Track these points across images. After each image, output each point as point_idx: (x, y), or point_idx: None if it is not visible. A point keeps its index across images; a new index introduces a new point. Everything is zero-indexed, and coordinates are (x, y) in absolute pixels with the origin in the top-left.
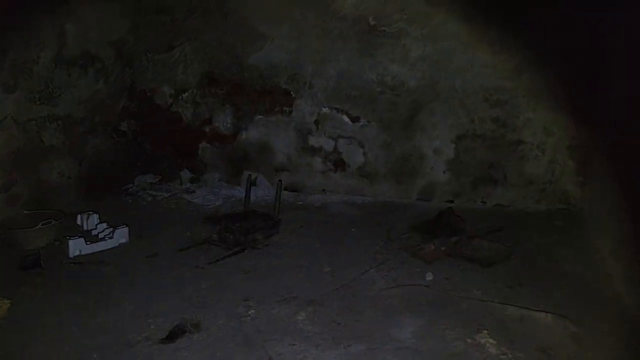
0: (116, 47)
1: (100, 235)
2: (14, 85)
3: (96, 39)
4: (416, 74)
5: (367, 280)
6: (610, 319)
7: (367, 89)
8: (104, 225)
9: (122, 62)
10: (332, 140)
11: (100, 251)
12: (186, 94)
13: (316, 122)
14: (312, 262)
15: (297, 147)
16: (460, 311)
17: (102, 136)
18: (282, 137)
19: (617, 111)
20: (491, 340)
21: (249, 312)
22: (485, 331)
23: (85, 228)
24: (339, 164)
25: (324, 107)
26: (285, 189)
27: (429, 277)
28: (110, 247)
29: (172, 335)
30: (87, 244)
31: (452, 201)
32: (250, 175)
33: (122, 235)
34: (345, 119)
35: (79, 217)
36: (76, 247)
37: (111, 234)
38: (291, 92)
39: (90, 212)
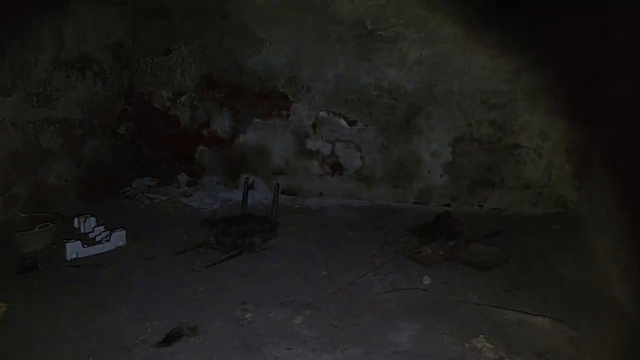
0: (114, 49)
1: (98, 238)
2: (12, 88)
3: (94, 42)
4: (413, 77)
5: (364, 284)
6: (607, 322)
7: (364, 92)
8: (102, 228)
9: (120, 64)
10: (329, 143)
11: (98, 254)
12: (184, 97)
13: (314, 126)
14: (309, 266)
15: (295, 151)
16: (458, 315)
17: (100, 139)
18: (279, 141)
19: (617, 111)
20: (488, 345)
21: (246, 316)
22: (483, 335)
23: (82, 231)
24: (336, 168)
25: (321, 110)
26: (283, 193)
27: (426, 281)
28: (107, 250)
29: (169, 339)
30: (84, 247)
31: (449, 205)
32: (247, 178)
33: (119, 238)
34: (343, 122)
35: (76, 219)
36: (73, 250)
37: (108, 237)
38: (289, 96)
39: (88, 215)
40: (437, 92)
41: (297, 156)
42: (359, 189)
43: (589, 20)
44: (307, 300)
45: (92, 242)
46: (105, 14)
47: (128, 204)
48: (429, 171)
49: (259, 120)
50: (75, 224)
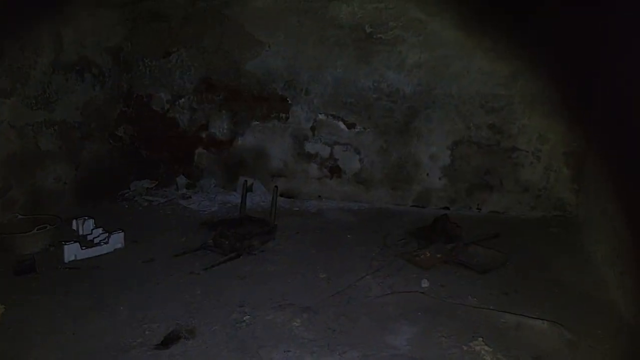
0: (113, 52)
1: (96, 241)
2: (10, 90)
3: (93, 45)
4: (412, 80)
5: (362, 287)
6: (605, 325)
7: (363, 95)
8: (100, 230)
9: (119, 67)
10: (328, 146)
11: (96, 256)
12: (183, 99)
13: (312, 129)
14: (307, 269)
15: (293, 154)
16: (456, 318)
17: (99, 141)
18: (278, 143)
19: (613, 114)
20: (487, 348)
21: (244, 318)
22: (481, 338)
23: (80, 233)
24: (335, 171)
25: (320, 113)
26: (281, 195)
27: (425, 284)
28: (105, 252)
29: (167, 341)
30: (82, 249)
31: (447, 207)
32: (246, 181)
33: (117, 240)
34: (342, 125)
35: (74, 222)
36: (71, 252)
37: (107, 239)
38: (288, 99)
39: (86, 217)
40: (436, 95)
41: (295, 159)
42: (358, 192)
43: (585, 24)
44: (306, 303)
45: (90, 244)
46: (105, 18)
47: (126, 206)
48: (427, 174)
49: (257, 122)
50: (74, 226)
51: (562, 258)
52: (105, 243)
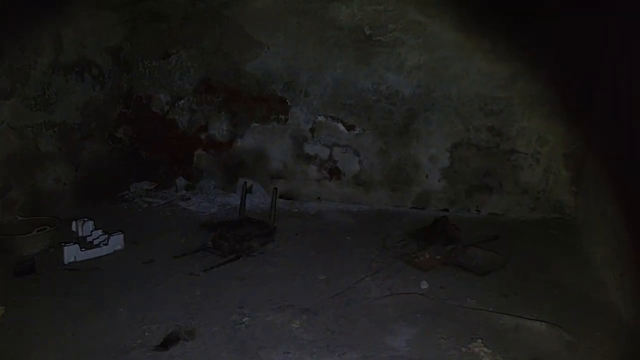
0: (113, 53)
1: (95, 242)
2: (10, 91)
3: (93, 46)
4: (412, 82)
5: (362, 288)
6: (605, 327)
7: (362, 97)
8: (99, 231)
9: (119, 68)
10: (327, 148)
11: (95, 258)
12: (182, 101)
13: (312, 130)
14: (307, 270)
15: (293, 155)
16: (455, 320)
17: (99, 142)
18: (277, 145)
19: (611, 116)
20: (486, 349)
21: (244, 320)
22: (480, 340)
23: (80, 234)
24: (334, 172)
25: (319, 115)
26: (281, 197)
27: (424, 285)
28: (105, 253)
29: (167, 343)
30: (82, 251)
31: (447, 209)
32: (245, 182)
33: (117, 242)
34: (341, 127)
35: (74, 223)
36: (71, 253)
37: (106, 241)
38: (287, 100)
39: (86, 219)
40: (435, 97)
41: (295, 160)
42: (357, 194)
43: (585, 26)
44: (305, 304)
45: (89, 245)
46: (105, 18)
47: (126, 207)
48: (426, 176)
49: (257, 124)
50: (73, 228)
51: (561, 260)
52: (104, 244)
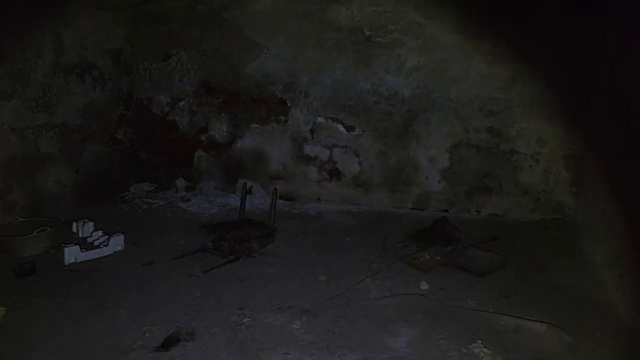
0: (113, 55)
1: (96, 243)
2: (11, 93)
3: (93, 47)
4: (411, 83)
5: (362, 289)
6: (604, 327)
7: (362, 98)
8: (100, 232)
9: (119, 70)
10: (327, 149)
11: (96, 259)
12: (182, 102)
13: (311, 131)
14: (307, 271)
15: (293, 156)
16: (455, 321)
17: (99, 144)
18: (277, 146)
19: (610, 117)
20: (486, 350)
21: (244, 321)
22: (480, 341)
23: (80, 235)
24: (334, 173)
25: (319, 116)
26: (281, 198)
27: (424, 286)
28: (105, 254)
29: (167, 344)
30: (82, 252)
31: (446, 210)
32: (245, 183)
33: (117, 243)
34: (341, 128)
35: (74, 224)
36: (71, 254)
37: (106, 242)
38: (287, 101)
39: (86, 220)
40: (435, 98)
41: (295, 161)
42: (357, 195)
43: (584, 26)
44: (305, 305)
45: (90, 246)
46: (105, 20)
47: (126, 208)
48: (426, 177)
49: (256, 125)
50: (74, 229)
51: (561, 261)
52: (105, 245)
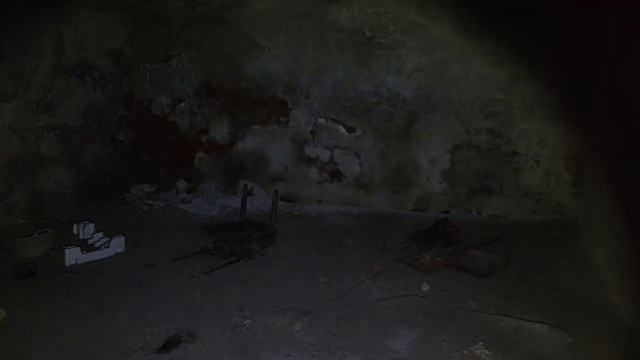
0: (114, 56)
1: (97, 245)
2: (12, 94)
3: (94, 48)
4: (412, 84)
5: (363, 291)
6: (606, 329)
7: (363, 99)
8: (100, 234)
9: (120, 71)
10: (328, 150)
11: (97, 260)
12: (183, 103)
13: (312, 133)
14: (308, 273)
15: (294, 157)
16: (456, 322)
17: (100, 145)
18: (278, 147)
19: (611, 118)
20: (487, 352)
21: (245, 322)
22: (481, 342)
23: (81, 237)
24: (335, 175)
25: (320, 117)
26: (282, 199)
27: (425, 287)
28: (106, 256)
29: (168, 345)
30: (83, 253)
31: (447, 211)
32: (246, 185)
33: (118, 244)
34: (342, 129)
35: (75, 226)
36: (72, 256)
37: (107, 243)
38: (288, 102)
39: (87, 221)
40: (436, 99)
41: (295, 163)
42: (358, 196)
43: (585, 26)
44: (306, 307)
45: (91, 248)
46: (105, 21)
47: (127, 210)
48: (427, 178)
49: (257, 126)
50: (74, 230)
51: (562, 262)
52: (105, 247)
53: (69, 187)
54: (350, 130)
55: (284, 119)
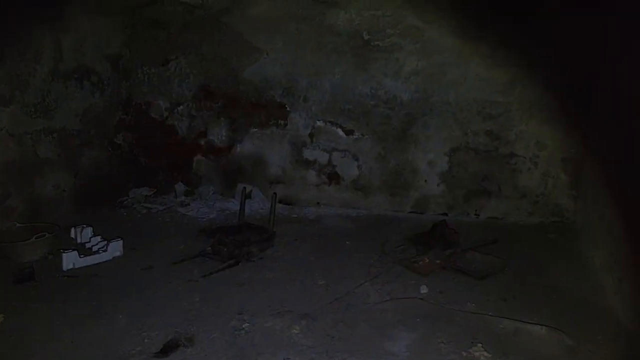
0: (112, 60)
1: (94, 249)
2: (10, 98)
3: (92, 52)
4: (410, 87)
5: (361, 293)
6: (604, 331)
7: (361, 102)
8: (98, 238)
9: (118, 75)
10: (326, 153)
11: (94, 264)
12: (181, 107)
13: (311, 135)
14: (306, 276)
15: (292, 160)
16: (455, 324)
17: (98, 149)
18: (276, 150)
19: (609, 121)
20: (486, 354)
21: (243, 326)
22: (480, 344)
23: (79, 241)
24: (334, 177)
25: (318, 120)
26: (280, 202)
27: (424, 290)
28: (104, 260)
29: (166, 349)
30: (80, 257)
31: (445, 214)
32: (244, 188)
33: (116, 248)
34: (340, 132)
35: (72, 230)
36: (70, 260)
37: (105, 247)
38: (286, 106)
39: (85, 225)
40: (433, 102)
41: (294, 166)
42: (356, 199)
43: (585, 26)
44: (304, 310)
45: (88, 252)
46: (104, 25)
47: (125, 213)
48: (425, 180)
49: (256, 129)
50: (72, 234)
51: (560, 264)
52: (103, 251)
53: (67, 191)
54: (349, 133)
55: (282, 122)
